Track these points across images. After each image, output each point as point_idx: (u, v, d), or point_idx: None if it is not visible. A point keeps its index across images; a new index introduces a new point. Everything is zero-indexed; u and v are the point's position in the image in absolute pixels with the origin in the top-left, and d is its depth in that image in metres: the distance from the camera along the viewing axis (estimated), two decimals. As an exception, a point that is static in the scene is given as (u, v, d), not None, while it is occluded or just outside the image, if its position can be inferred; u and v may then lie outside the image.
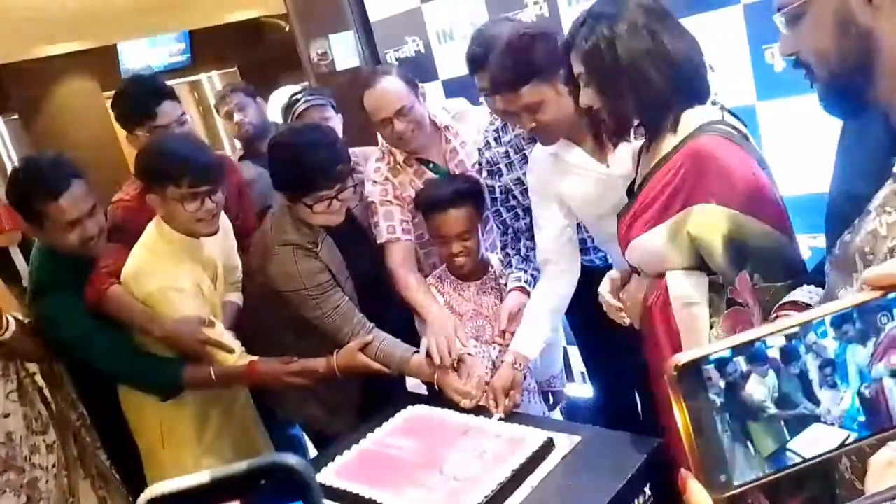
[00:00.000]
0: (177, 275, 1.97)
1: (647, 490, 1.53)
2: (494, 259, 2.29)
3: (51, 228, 1.96)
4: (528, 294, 2.09)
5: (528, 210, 2.16)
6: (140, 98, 2.25)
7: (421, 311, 2.14)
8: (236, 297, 2.29)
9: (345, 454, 1.74)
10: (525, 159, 2.13)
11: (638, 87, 1.41)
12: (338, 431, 2.11)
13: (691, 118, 1.42)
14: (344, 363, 2.01)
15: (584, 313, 2.40)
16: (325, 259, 2.06)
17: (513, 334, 2.02)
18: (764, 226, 1.33)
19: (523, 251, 2.21)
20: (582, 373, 3.10)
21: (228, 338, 2.02)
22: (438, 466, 1.60)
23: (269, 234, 2.09)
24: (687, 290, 1.44)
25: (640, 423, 1.65)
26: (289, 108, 2.71)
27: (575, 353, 3.07)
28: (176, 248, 1.98)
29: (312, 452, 2.48)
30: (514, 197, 2.20)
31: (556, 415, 2.30)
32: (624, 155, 1.71)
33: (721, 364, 0.48)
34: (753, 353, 0.48)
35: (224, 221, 2.14)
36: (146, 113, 2.21)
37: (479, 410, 1.88)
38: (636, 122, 1.52)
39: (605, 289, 1.66)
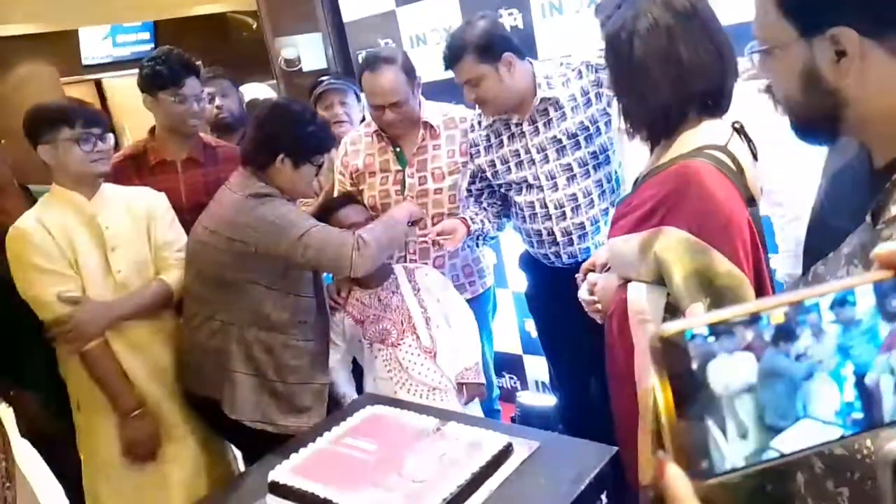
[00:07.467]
0: (50, 218, 2.05)
1: (603, 497, 1.54)
2: (398, 267, 2.36)
3: None
4: (469, 228, 2.23)
5: (492, 192, 2.34)
6: (174, 66, 2.45)
7: None
8: (170, 276, 2.20)
9: (301, 452, 1.71)
10: (501, 144, 2.23)
11: (641, 88, 1.37)
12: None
13: (694, 136, 1.38)
14: None
15: (549, 314, 2.44)
16: None
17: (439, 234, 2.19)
18: (731, 266, 1.29)
19: (485, 206, 2.36)
20: (536, 381, 3.13)
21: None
22: (397, 468, 1.58)
23: (237, 194, 2.02)
24: (644, 306, 1.42)
25: (605, 429, 1.65)
26: (311, 89, 2.79)
27: (531, 363, 3.10)
28: (59, 198, 2.09)
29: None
30: (484, 178, 2.31)
31: (474, 409, 2.28)
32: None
33: (709, 338, 0.42)
34: (746, 329, 0.43)
35: (150, 195, 2.25)
36: (175, 80, 2.41)
37: (440, 413, 1.87)
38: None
39: (583, 290, 1.67)
